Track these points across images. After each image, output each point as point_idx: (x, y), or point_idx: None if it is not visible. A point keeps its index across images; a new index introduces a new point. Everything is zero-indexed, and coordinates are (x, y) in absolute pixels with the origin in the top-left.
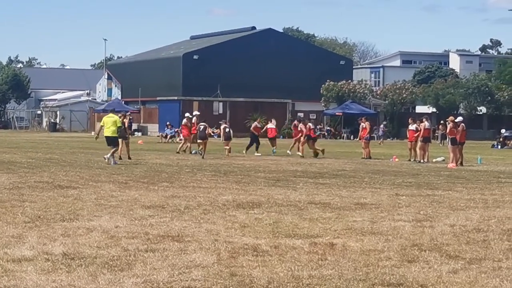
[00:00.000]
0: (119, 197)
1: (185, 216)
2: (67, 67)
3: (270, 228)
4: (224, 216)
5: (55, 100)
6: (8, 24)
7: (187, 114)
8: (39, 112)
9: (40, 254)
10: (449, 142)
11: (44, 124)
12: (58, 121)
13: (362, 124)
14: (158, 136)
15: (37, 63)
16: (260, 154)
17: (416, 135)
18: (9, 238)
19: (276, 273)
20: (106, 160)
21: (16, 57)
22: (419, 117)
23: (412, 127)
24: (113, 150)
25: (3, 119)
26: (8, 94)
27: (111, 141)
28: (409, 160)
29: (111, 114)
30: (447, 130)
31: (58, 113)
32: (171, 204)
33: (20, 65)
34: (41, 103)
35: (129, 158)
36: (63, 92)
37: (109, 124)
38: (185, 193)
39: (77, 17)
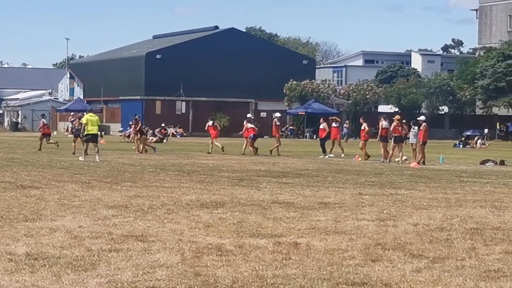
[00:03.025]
0: (82, 197)
1: (149, 216)
2: (29, 66)
3: (234, 228)
4: (188, 216)
5: (17, 99)
6: None
7: (276, 114)
8: (0, 111)
9: (3, 254)
10: (393, 140)
11: (6, 123)
12: (20, 121)
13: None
14: (120, 135)
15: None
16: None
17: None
18: None
19: (240, 272)
20: (97, 160)
21: None
22: (380, 116)
23: (363, 127)
24: (96, 148)
25: None
26: None
27: (94, 139)
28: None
29: (92, 114)
30: (391, 128)
31: (20, 112)
32: (135, 203)
33: None
34: (3, 102)
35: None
36: (25, 92)
37: (94, 122)
38: (148, 192)
39: (39, 16)
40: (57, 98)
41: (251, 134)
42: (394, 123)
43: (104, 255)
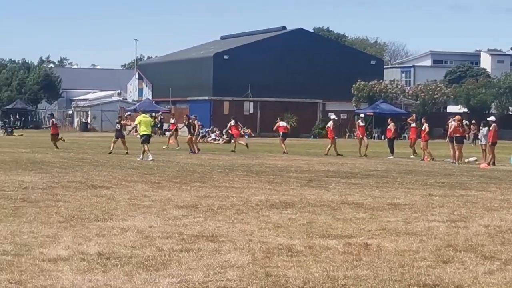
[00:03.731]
0: (152, 197)
1: (219, 216)
2: (98, 67)
3: (304, 228)
4: (258, 216)
5: (86, 100)
6: (39, 24)
7: (332, 117)
8: (70, 112)
9: (76, 254)
10: (454, 141)
11: (76, 124)
12: (89, 121)
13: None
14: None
15: (68, 63)
16: None
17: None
18: (45, 238)
19: (311, 273)
20: (139, 159)
21: (48, 57)
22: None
23: (424, 127)
24: (146, 148)
25: (34, 119)
26: (39, 94)
27: (148, 139)
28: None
29: (144, 115)
30: (451, 129)
31: (89, 113)
32: (204, 204)
33: (51, 65)
34: (72, 103)
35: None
36: (94, 92)
37: (147, 123)
38: (217, 193)
39: (108, 17)
40: (126, 99)
41: (281, 132)
42: (455, 124)
43: (175, 255)
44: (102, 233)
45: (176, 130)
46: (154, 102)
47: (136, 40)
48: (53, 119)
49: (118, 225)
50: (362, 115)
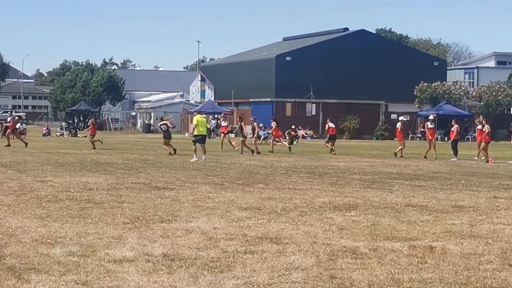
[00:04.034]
0: (216, 199)
1: (282, 218)
2: (161, 69)
3: (368, 231)
4: (321, 218)
5: (149, 101)
6: (102, 26)
7: (401, 118)
8: (133, 113)
9: (141, 255)
10: None
11: (139, 125)
12: (152, 123)
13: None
14: (251, 137)
15: (131, 65)
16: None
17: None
18: (110, 239)
19: (376, 276)
20: (202, 160)
21: (111, 59)
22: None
23: (485, 128)
24: (203, 149)
25: (98, 121)
26: (103, 95)
27: (203, 140)
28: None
29: (200, 115)
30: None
31: (152, 114)
32: (268, 206)
33: (114, 67)
34: (136, 104)
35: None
36: (156, 94)
37: (204, 123)
38: (281, 194)
39: (171, 19)
40: (189, 100)
41: (329, 134)
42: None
43: (239, 257)
44: (167, 235)
45: (229, 132)
46: (216, 103)
47: (198, 42)
48: (92, 120)
49: (182, 227)
50: (431, 117)
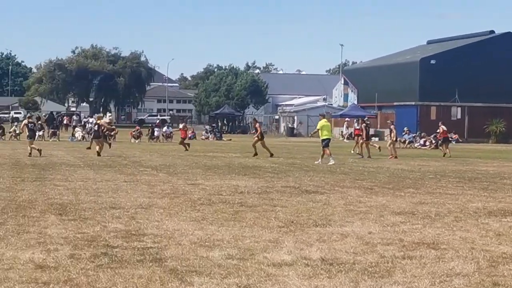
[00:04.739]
0: (367, 203)
1: (437, 223)
2: (303, 72)
3: None
4: (477, 224)
5: (292, 105)
6: (246, 31)
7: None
8: (276, 117)
9: (299, 259)
10: None
11: (282, 129)
12: (295, 126)
13: None
14: (396, 141)
15: (274, 69)
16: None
17: None
18: (266, 242)
19: None
20: (316, 163)
21: (253, 63)
22: None
23: None
24: (328, 153)
25: (241, 124)
26: (247, 99)
27: (328, 143)
28: None
29: (325, 119)
30: None
31: (295, 118)
32: (421, 210)
33: (257, 71)
34: (279, 108)
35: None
36: (299, 98)
37: (328, 128)
38: (432, 199)
39: (313, 23)
40: (331, 104)
41: (443, 137)
42: None
43: (398, 262)
44: (323, 239)
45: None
46: (359, 107)
47: (342, 45)
48: (184, 124)
49: (337, 231)
50: None
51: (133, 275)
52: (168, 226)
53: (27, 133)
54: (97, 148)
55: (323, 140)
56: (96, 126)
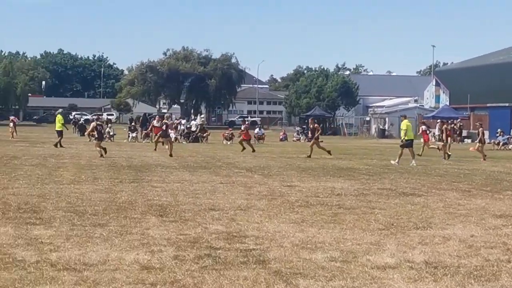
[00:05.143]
0: (466, 206)
1: None
2: (394, 73)
3: None
4: None
5: (382, 107)
6: (335, 32)
7: None
8: (367, 118)
9: (402, 262)
10: None
11: (373, 130)
12: (386, 128)
13: None
14: (489, 143)
15: (364, 70)
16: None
17: None
18: (368, 245)
19: None
20: (411, 165)
21: (343, 64)
22: None
23: None
24: (412, 153)
25: (332, 126)
26: (337, 101)
27: (411, 144)
28: None
29: (407, 120)
30: None
31: (386, 119)
32: None
33: (347, 72)
34: (369, 109)
35: None
36: (390, 99)
37: (411, 128)
38: None
39: (405, 24)
40: (423, 105)
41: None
42: None
43: (503, 266)
44: (425, 242)
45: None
46: (451, 108)
47: (433, 46)
48: (246, 125)
49: (438, 234)
50: None
51: (238, 277)
52: (268, 228)
53: (95, 135)
54: (167, 147)
55: (406, 141)
56: (164, 125)
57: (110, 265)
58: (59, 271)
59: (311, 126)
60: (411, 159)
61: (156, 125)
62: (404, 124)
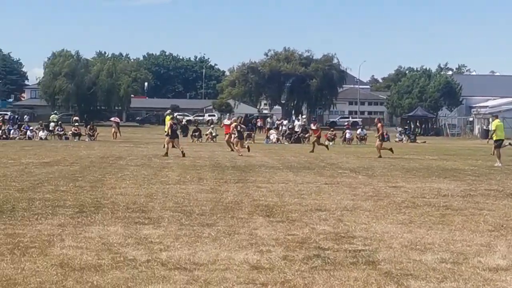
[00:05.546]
0: None
1: None
2: (497, 73)
3: None
4: None
5: (486, 107)
6: (436, 32)
7: None
8: (470, 119)
9: None
10: None
11: (476, 131)
12: (490, 128)
13: None
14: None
15: (466, 70)
16: None
17: None
18: (478, 246)
19: None
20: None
21: (446, 64)
22: None
23: None
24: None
25: (435, 126)
26: (440, 101)
27: (500, 144)
28: None
29: (499, 120)
30: None
31: (490, 120)
32: None
33: (450, 72)
34: (473, 110)
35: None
36: (494, 99)
37: (501, 128)
38: None
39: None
40: None
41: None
42: None
43: None
44: None
45: None
46: None
47: None
48: (317, 125)
49: None
50: None
51: (349, 278)
52: (376, 229)
53: (169, 133)
54: (180, 148)
55: (496, 141)
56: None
57: (220, 264)
58: (170, 270)
59: (378, 125)
60: (497, 160)
61: (226, 123)
62: (494, 124)
